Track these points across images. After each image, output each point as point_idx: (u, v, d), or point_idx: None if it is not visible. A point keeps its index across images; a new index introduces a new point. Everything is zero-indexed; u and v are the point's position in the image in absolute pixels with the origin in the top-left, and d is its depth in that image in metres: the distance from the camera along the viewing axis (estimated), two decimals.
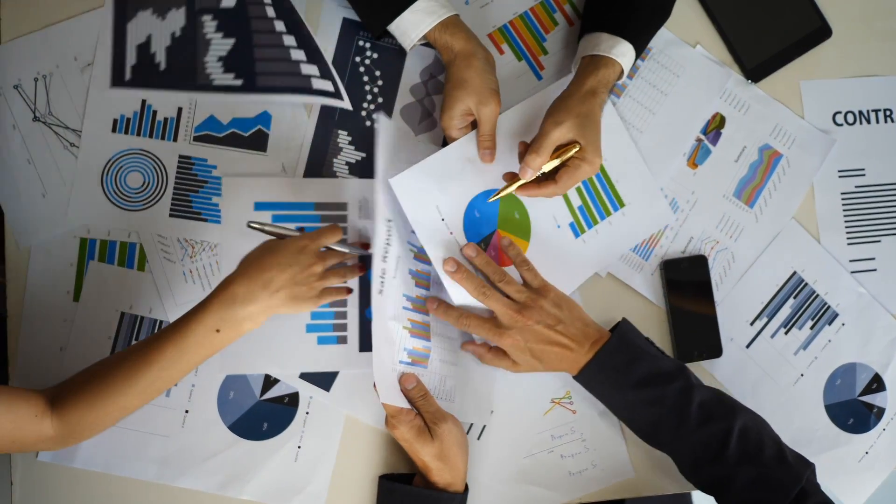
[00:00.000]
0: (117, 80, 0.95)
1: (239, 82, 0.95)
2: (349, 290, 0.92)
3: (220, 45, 0.95)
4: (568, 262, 0.96)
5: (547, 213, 0.96)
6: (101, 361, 0.83)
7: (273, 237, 0.85)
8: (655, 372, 0.87)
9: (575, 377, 0.89)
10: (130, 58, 0.95)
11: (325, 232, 0.86)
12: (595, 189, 0.97)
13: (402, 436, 0.85)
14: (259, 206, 0.95)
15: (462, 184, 0.93)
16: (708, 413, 0.85)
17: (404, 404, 0.86)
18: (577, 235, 0.96)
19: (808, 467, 0.84)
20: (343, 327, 0.95)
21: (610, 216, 0.97)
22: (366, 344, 0.94)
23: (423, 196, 0.90)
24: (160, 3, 0.96)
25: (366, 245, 0.94)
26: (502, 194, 0.91)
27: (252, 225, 0.85)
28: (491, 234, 0.94)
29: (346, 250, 0.89)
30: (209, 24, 0.96)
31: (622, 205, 0.98)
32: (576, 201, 0.97)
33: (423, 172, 0.90)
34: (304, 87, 0.95)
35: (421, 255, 0.93)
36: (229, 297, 0.79)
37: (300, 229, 0.89)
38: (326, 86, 0.96)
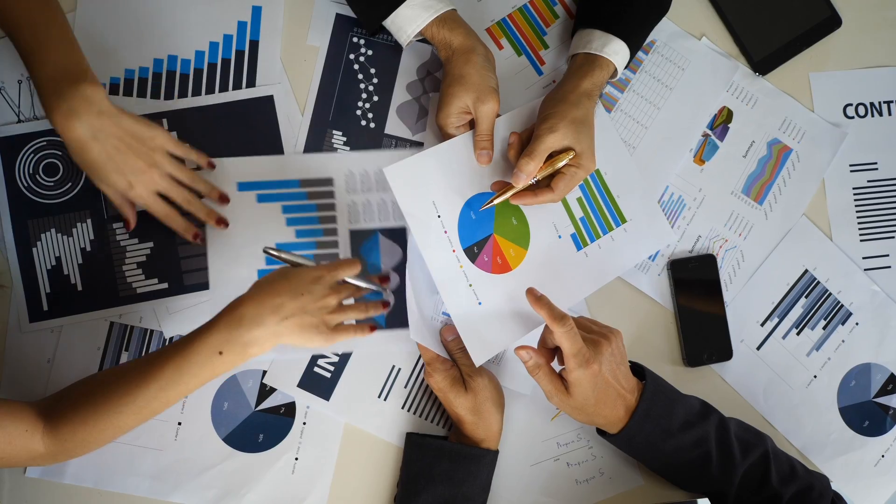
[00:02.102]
0: (35, 314, 0.90)
1: (164, 286, 0.91)
2: (373, 328, 0.85)
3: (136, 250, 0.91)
4: (571, 275, 0.93)
5: (546, 221, 0.93)
6: (97, 376, 0.80)
7: (288, 265, 0.82)
8: (692, 411, 0.84)
9: (615, 436, 0.84)
10: (44, 286, 0.90)
11: (342, 264, 0.82)
12: (596, 202, 0.94)
13: (437, 384, 0.87)
14: (243, 187, 0.92)
15: (459, 183, 0.90)
16: (745, 442, 0.84)
17: (436, 349, 0.87)
18: (579, 248, 0.93)
19: (828, 479, 0.87)
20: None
21: (612, 231, 0.94)
22: (394, 320, 0.92)
23: (418, 189, 0.88)
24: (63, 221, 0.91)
25: (384, 279, 0.92)
26: (495, 202, 0.89)
27: (268, 251, 0.82)
28: (486, 239, 0.91)
29: (364, 284, 0.85)
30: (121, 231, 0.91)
31: (623, 220, 0.95)
32: (577, 212, 0.94)
33: (419, 165, 0.88)
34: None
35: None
36: (236, 319, 0.76)
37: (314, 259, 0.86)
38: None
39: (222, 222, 0.89)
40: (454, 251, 0.89)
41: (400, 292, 0.92)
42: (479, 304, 0.89)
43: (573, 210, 0.94)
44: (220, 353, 0.75)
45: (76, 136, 0.80)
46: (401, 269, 0.92)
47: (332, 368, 0.92)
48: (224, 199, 0.90)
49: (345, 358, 0.92)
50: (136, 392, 0.76)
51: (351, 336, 0.81)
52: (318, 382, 0.92)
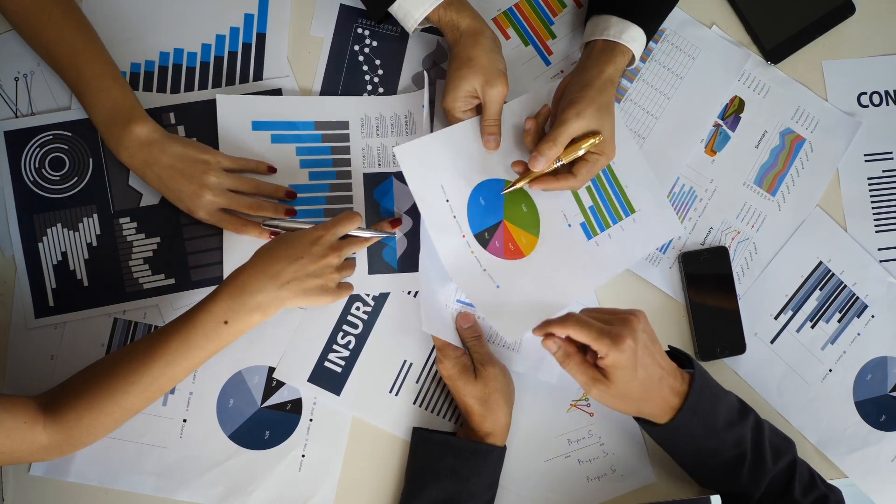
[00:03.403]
0: (41, 310, 0.89)
1: (171, 281, 0.90)
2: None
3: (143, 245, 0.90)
4: (583, 265, 0.91)
5: (556, 209, 0.92)
6: (100, 361, 0.80)
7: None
8: (733, 409, 0.82)
9: (663, 426, 0.80)
10: (50, 282, 0.89)
11: (340, 220, 0.83)
12: (606, 192, 0.93)
13: (447, 371, 0.85)
14: (257, 126, 0.91)
15: (467, 168, 0.89)
16: (777, 448, 0.83)
17: (450, 338, 0.86)
18: (589, 237, 0.92)
19: (841, 492, 0.85)
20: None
21: (622, 221, 0.93)
22: (376, 266, 0.91)
23: (428, 171, 0.87)
24: (69, 216, 0.90)
25: (395, 222, 0.91)
26: (517, 186, 0.87)
27: (267, 224, 0.86)
28: (496, 225, 0.89)
29: (369, 234, 0.86)
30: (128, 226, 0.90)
31: (633, 210, 0.93)
32: (587, 201, 0.92)
33: (430, 147, 0.87)
34: None
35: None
36: (238, 287, 0.77)
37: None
38: None
39: (291, 212, 0.90)
40: (464, 236, 0.88)
41: (414, 234, 0.91)
42: (498, 287, 0.87)
43: (582, 199, 0.92)
44: (226, 322, 0.77)
45: (134, 168, 0.87)
46: (414, 212, 0.91)
47: (342, 363, 0.91)
48: (291, 194, 0.91)
49: (356, 352, 0.91)
50: (142, 370, 0.75)
51: (348, 293, 0.85)
52: (329, 377, 0.90)
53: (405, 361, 0.92)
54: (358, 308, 0.92)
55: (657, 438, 0.85)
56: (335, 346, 0.91)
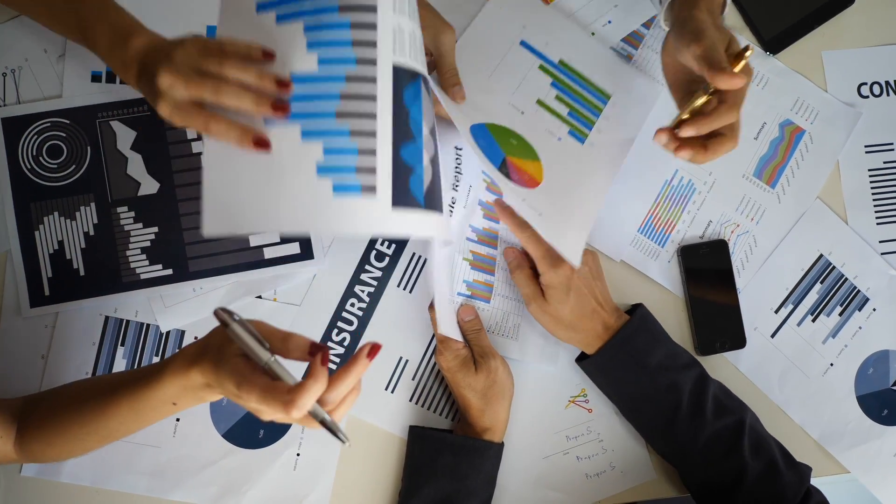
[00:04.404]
0: (36, 299, 0.87)
1: (168, 272, 0.89)
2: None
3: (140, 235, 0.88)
4: (589, 171, 0.89)
5: (538, 130, 0.90)
6: (67, 390, 0.78)
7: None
8: (674, 357, 0.85)
9: (592, 356, 0.86)
10: (46, 271, 0.88)
11: (303, 395, 0.61)
12: (574, 91, 0.93)
13: (447, 363, 0.84)
14: (262, 7, 0.68)
15: (455, 117, 0.81)
16: (721, 404, 0.84)
17: (458, 337, 0.85)
18: (581, 141, 0.91)
19: (810, 470, 0.85)
20: (371, 170, 0.66)
21: (602, 111, 0.92)
22: (401, 197, 0.68)
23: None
24: (66, 204, 0.88)
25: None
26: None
27: (218, 316, 0.62)
28: (504, 161, 0.86)
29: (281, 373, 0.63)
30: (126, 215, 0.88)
31: (607, 96, 0.93)
32: (562, 109, 0.92)
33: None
34: (255, 262, 0.88)
35: (493, 186, 0.89)
36: (186, 373, 0.66)
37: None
38: (285, 250, 0.89)
39: (281, 109, 0.65)
40: (488, 171, 0.82)
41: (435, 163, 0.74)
42: (540, 214, 0.81)
43: (557, 110, 0.92)
44: (174, 403, 0.69)
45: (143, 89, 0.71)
46: (436, 128, 0.75)
47: (337, 360, 0.90)
48: (284, 84, 0.65)
49: (351, 349, 0.90)
50: (98, 421, 0.73)
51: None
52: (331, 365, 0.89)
53: (401, 358, 0.91)
54: (353, 304, 0.90)
55: (591, 374, 0.88)
56: (330, 343, 0.90)
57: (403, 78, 0.68)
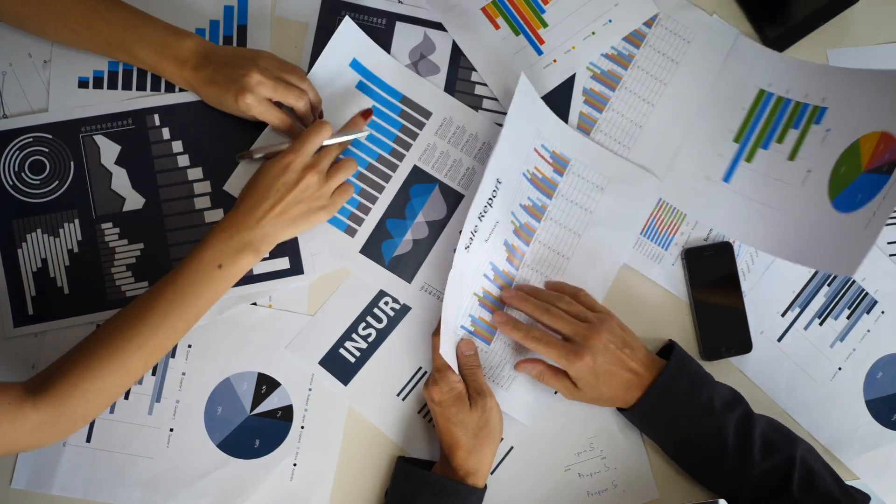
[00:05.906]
0: (20, 319, 0.85)
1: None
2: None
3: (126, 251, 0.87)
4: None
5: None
6: (91, 333, 0.77)
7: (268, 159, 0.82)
8: (715, 398, 0.82)
9: (631, 408, 0.83)
10: (29, 289, 0.86)
11: (308, 137, 0.81)
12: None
13: (440, 396, 0.81)
14: (355, 66, 0.91)
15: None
16: (770, 442, 0.81)
17: (456, 369, 0.84)
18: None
19: (869, 499, 0.82)
20: (359, 220, 0.90)
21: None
22: (370, 250, 0.89)
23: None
24: (49, 221, 0.86)
25: (367, 113, 0.90)
26: None
27: (241, 158, 0.86)
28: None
29: (342, 139, 0.85)
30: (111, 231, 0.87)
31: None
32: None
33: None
34: (245, 277, 0.84)
35: (521, 232, 0.90)
36: (226, 229, 0.78)
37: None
38: (274, 265, 0.88)
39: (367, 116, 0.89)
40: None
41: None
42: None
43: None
44: (220, 266, 0.76)
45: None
46: (440, 224, 0.90)
47: (358, 354, 0.88)
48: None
49: (374, 346, 0.88)
50: (139, 324, 0.74)
51: (346, 198, 0.85)
52: (341, 365, 0.88)
53: (420, 368, 0.89)
54: (387, 303, 0.89)
55: (631, 421, 0.87)
56: (354, 336, 0.88)
57: (418, 176, 0.90)
